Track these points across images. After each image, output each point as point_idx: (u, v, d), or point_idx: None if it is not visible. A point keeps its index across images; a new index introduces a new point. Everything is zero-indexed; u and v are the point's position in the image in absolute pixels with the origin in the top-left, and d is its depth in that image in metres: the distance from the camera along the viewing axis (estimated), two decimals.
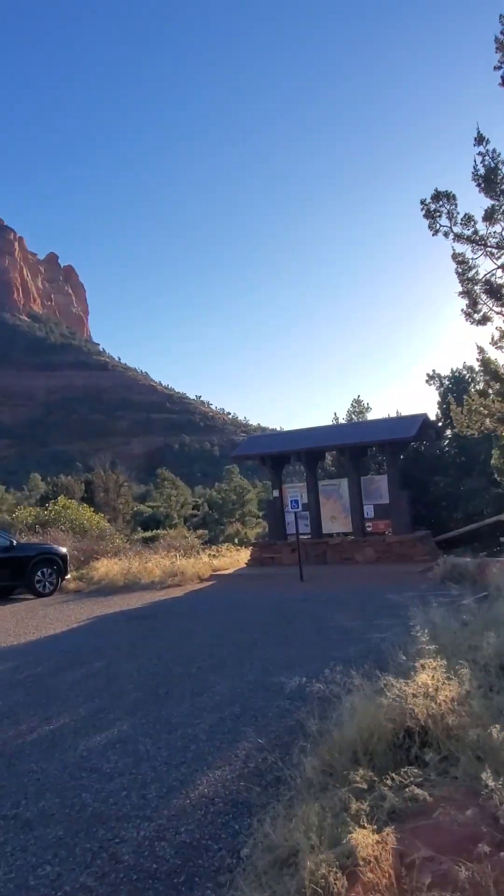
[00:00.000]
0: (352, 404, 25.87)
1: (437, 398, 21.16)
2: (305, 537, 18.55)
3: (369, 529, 18.53)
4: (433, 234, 13.27)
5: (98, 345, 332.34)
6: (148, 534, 39.98)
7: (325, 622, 10.69)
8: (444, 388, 20.92)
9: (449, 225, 13.23)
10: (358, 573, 16.44)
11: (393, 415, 21.18)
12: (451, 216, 13.15)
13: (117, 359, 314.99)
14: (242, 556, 20.85)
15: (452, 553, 18.38)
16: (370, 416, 25.03)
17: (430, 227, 13.28)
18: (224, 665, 8.34)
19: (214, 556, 20.38)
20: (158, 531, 43.48)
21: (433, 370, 21.26)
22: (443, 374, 21.22)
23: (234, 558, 20.77)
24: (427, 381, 21.57)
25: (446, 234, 13.31)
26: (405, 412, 20.47)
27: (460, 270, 13.61)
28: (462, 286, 13.65)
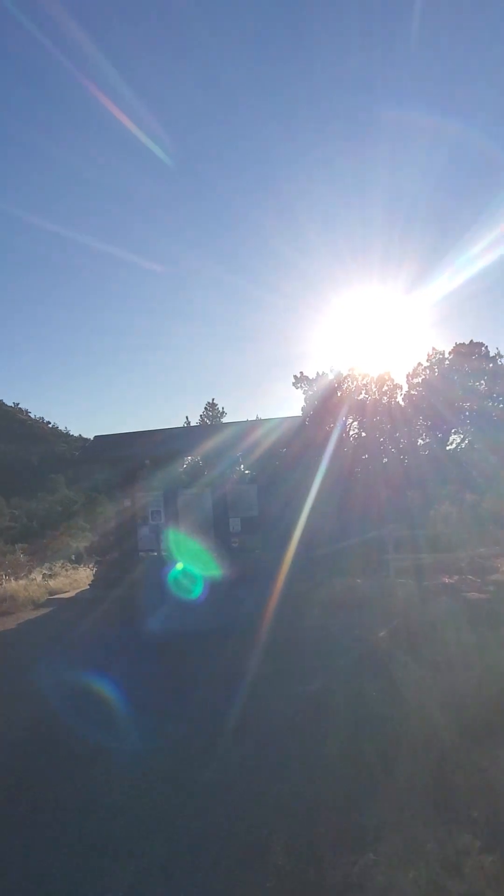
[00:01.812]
0: (205, 409, 23.66)
1: (303, 403, 19.50)
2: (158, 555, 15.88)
3: (235, 546, 16.28)
4: None
5: None
6: None
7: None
8: (314, 392, 19.30)
9: None
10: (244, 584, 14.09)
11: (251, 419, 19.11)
12: None
13: None
14: (81, 576, 17.75)
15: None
16: (224, 422, 22.92)
17: None
18: None
19: (49, 575, 17.08)
20: None
21: (300, 372, 19.60)
22: (311, 377, 19.61)
23: (73, 578, 17.60)
24: (295, 384, 19.84)
25: None
26: (266, 417, 18.42)
27: None
28: None
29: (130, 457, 16.96)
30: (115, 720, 6.30)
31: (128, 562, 16.58)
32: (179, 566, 15.06)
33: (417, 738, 4.90)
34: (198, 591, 13.27)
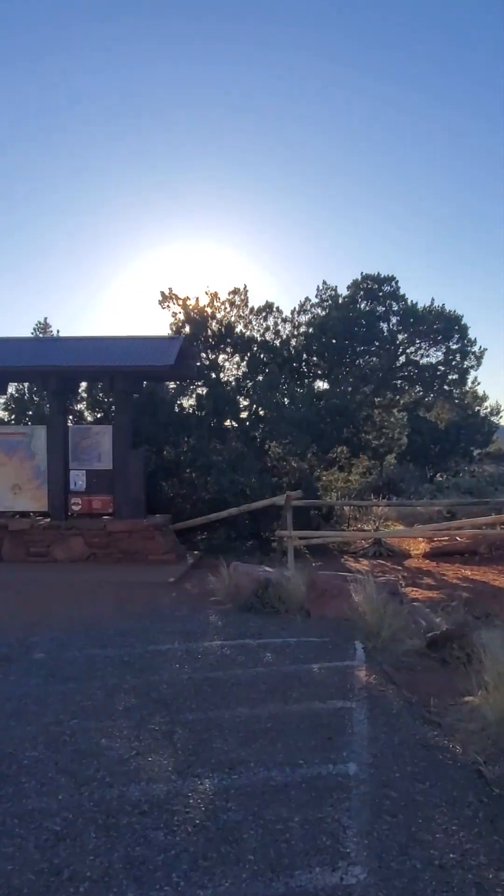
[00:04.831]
0: (35, 328, 18.30)
1: (172, 329, 15.06)
2: None
3: (77, 509, 11.65)
4: None
5: None
6: None
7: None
8: (189, 317, 14.87)
9: None
10: (65, 584, 9.52)
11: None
12: None
13: None
14: None
15: (199, 550, 12.52)
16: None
17: None
18: None
19: None
20: None
21: (169, 289, 15.09)
22: (185, 297, 15.13)
23: None
24: (161, 304, 15.29)
25: None
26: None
27: None
28: None
29: None
30: None
31: None
32: None
33: None
34: None
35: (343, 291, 17.44)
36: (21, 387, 14.45)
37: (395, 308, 16.80)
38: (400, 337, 16.87)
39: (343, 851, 3.04)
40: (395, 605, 7.07)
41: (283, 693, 5.06)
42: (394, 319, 16.86)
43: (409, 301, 16.84)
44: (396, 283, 16.92)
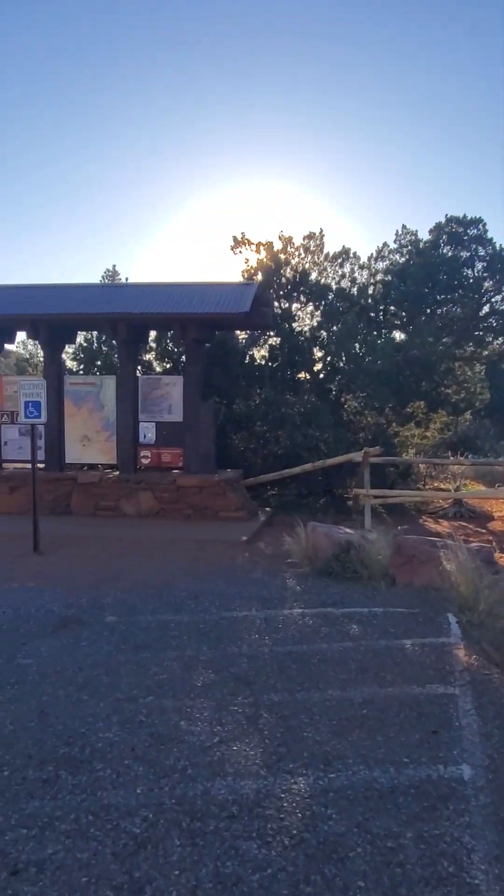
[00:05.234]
0: (103, 276, 17.90)
1: (245, 277, 14.39)
2: (35, 468, 10.71)
3: (146, 463, 11.35)
4: None
5: None
6: None
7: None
8: (262, 263, 14.16)
9: None
10: (135, 540, 9.26)
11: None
12: None
13: None
14: None
15: (269, 507, 12.10)
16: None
17: None
18: None
19: None
20: None
21: (241, 234, 14.37)
22: (258, 242, 14.39)
23: None
24: (233, 249, 14.62)
25: None
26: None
27: None
28: None
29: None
30: None
31: None
32: None
33: None
34: None
35: (424, 236, 16.37)
36: (90, 336, 14.13)
37: (482, 253, 15.66)
38: (485, 284, 15.74)
39: (471, 883, 2.55)
40: (491, 576, 6.48)
41: (375, 673, 4.58)
42: (479, 265, 15.73)
43: (496, 246, 15.65)
44: (484, 225, 15.72)
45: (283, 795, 3.12)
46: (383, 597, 6.56)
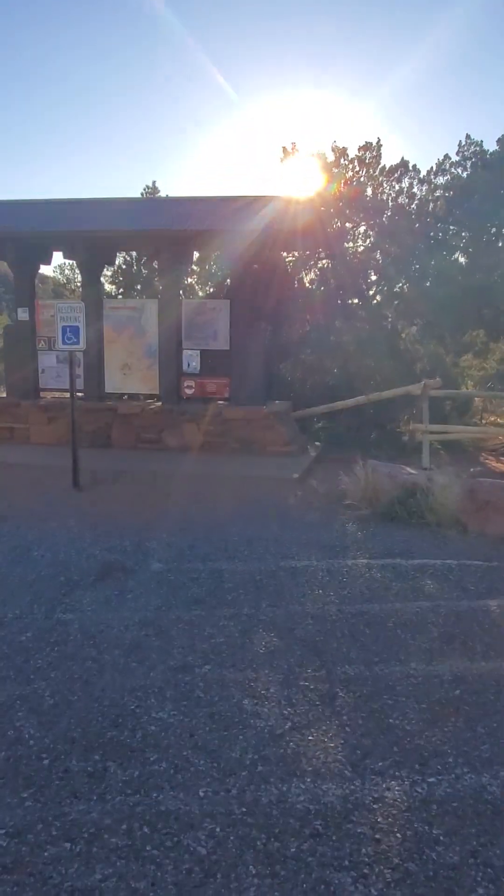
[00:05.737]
0: (143, 192, 16.87)
1: (296, 190, 13.31)
2: (74, 397, 10.16)
3: (190, 393, 10.72)
4: None
5: None
6: None
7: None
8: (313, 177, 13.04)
9: None
10: (180, 476, 8.73)
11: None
12: None
13: None
14: None
15: (319, 441, 11.43)
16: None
17: None
18: None
19: None
20: None
21: (292, 144, 13.18)
22: (308, 153, 13.22)
23: None
24: (282, 161, 13.48)
25: None
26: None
27: None
28: None
29: (28, 240, 10.61)
30: None
31: (19, 406, 10.76)
32: None
33: None
34: None
35: (491, 146, 14.91)
36: (129, 257, 13.31)
37: None
38: None
39: None
40: None
41: (462, 642, 4.00)
42: None
43: None
44: None
45: (375, 807, 2.57)
46: (455, 547, 5.93)
